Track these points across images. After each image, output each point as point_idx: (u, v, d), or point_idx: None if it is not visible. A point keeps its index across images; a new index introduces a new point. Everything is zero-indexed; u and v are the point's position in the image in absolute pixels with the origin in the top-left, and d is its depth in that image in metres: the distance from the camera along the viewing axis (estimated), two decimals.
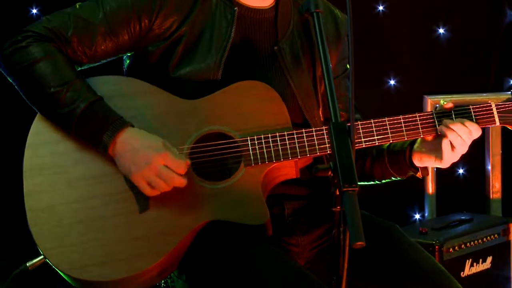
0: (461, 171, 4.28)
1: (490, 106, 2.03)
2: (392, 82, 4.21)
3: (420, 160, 2.07)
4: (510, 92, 2.12)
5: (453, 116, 2.01)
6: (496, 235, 3.47)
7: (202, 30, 2.05)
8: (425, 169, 2.09)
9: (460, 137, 1.97)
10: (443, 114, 2.02)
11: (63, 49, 1.98)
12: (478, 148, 3.98)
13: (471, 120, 2.01)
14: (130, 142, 1.91)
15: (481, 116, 2.03)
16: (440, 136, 2.00)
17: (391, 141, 2.01)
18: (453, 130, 1.97)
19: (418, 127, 2.01)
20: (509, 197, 4.03)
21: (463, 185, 4.28)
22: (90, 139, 1.94)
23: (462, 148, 2.00)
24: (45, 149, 1.97)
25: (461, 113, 2.02)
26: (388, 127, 2.00)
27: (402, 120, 2.00)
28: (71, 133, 1.95)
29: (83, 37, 1.99)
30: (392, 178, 2.18)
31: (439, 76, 4.23)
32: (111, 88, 2.01)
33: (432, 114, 2.02)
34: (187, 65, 2.03)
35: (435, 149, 2.02)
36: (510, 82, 4.29)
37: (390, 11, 4.19)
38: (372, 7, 4.19)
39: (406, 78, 4.21)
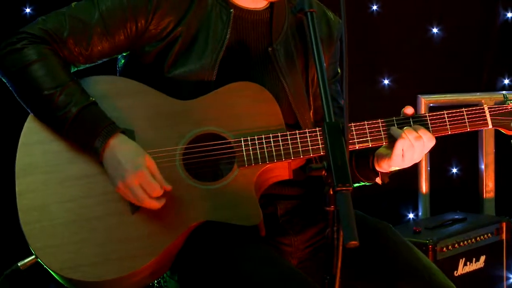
0: (454, 170, 4.29)
1: (483, 109, 2.02)
2: (386, 81, 4.21)
3: (378, 163, 2.03)
4: (503, 93, 2.11)
5: (411, 122, 1.98)
6: (489, 234, 3.48)
7: (197, 31, 2.04)
8: (385, 175, 2.07)
9: (411, 144, 1.93)
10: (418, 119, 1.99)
11: (58, 51, 1.98)
12: (471, 147, 3.99)
13: (427, 128, 1.97)
14: (115, 152, 1.90)
15: (474, 119, 2.02)
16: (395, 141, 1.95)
17: (384, 144, 2.00)
18: (405, 136, 1.93)
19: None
20: (503, 196, 4.04)
21: (456, 185, 4.29)
22: (81, 144, 1.94)
23: (412, 155, 1.95)
24: (37, 148, 1.96)
25: (418, 120, 1.99)
26: (381, 129, 1.99)
27: (395, 122, 2.00)
28: (64, 136, 1.95)
29: (79, 38, 1.98)
30: (361, 182, 2.16)
31: (433, 76, 4.24)
32: (105, 88, 2.00)
33: (426, 117, 2.00)
34: (182, 65, 2.02)
35: (390, 153, 1.98)
36: (503, 81, 4.30)
37: (384, 11, 4.19)
38: (366, 6, 4.19)
39: (400, 77, 4.21)
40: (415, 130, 1.95)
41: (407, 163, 1.98)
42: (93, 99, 1.95)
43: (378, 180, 2.09)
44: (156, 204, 1.89)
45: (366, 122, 2.00)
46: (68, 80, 1.95)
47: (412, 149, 1.94)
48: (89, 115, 1.93)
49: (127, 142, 1.92)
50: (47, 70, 1.94)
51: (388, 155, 1.97)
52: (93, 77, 2.02)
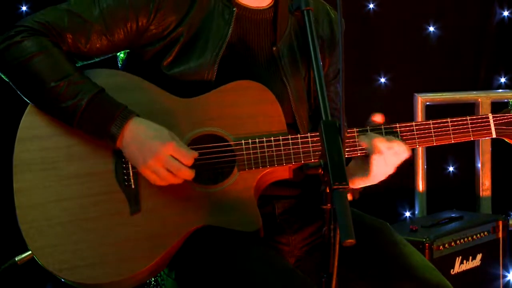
0: (451, 169, 4.29)
1: (488, 117, 1.99)
2: (382, 80, 4.21)
3: (351, 181, 1.99)
4: (508, 101, 2.07)
5: (383, 132, 1.94)
6: (486, 233, 3.48)
7: (199, 30, 2.02)
8: (356, 191, 2.04)
9: (384, 161, 1.89)
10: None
11: (57, 43, 1.94)
12: (468, 146, 3.99)
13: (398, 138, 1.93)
14: (137, 132, 1.88)
15: (478, 128, 1.98)
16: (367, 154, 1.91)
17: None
18: (379, 151, 1.88)
19: (415, 137, 1.96)
20: (499, 194, 4.05)
21: (453, 183, 4.29)
22: (96, 132, 1.90)
23: (386, 171, 1.92)
24: (35, 144, 1.93)
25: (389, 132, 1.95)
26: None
27: (398, 129, 1.95)
28: (75, 127, 1.91)
29: (78, 35, 1.95)
30: None
31: (430, 74, 4.24)
32: (105, 81, 1.94)
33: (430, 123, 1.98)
34: (182, 64, 2.00)
35: (364, 168, 1.94)
36: (499, 80, 4.31)
37: (380, 9, 4.19)
38: (362, 5, 4.19)
39: (396, 76, 4.21)
40: (389, 141, 1.89)
41: (382, 178, 1.95)
42: (101, 86, 1.92)
43: (349, 197, 2.07)
44: (192, 173, 1.87)
45: (368, 127, 1.93)
46: (73, 71, 1.91)
47: (385, 164, 1.90)
48: (102, 102, 1.89)
49: (144, 122, 1.90)
50: (51, 62, 1.90)
51: (364, 175, 1.93)
52: (94, 69, 1.98)
